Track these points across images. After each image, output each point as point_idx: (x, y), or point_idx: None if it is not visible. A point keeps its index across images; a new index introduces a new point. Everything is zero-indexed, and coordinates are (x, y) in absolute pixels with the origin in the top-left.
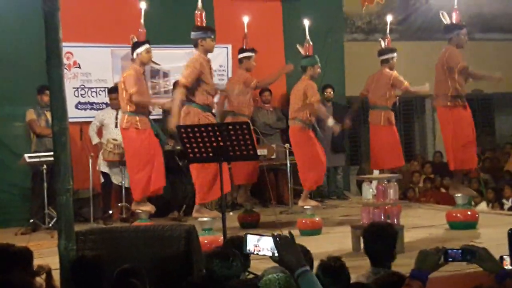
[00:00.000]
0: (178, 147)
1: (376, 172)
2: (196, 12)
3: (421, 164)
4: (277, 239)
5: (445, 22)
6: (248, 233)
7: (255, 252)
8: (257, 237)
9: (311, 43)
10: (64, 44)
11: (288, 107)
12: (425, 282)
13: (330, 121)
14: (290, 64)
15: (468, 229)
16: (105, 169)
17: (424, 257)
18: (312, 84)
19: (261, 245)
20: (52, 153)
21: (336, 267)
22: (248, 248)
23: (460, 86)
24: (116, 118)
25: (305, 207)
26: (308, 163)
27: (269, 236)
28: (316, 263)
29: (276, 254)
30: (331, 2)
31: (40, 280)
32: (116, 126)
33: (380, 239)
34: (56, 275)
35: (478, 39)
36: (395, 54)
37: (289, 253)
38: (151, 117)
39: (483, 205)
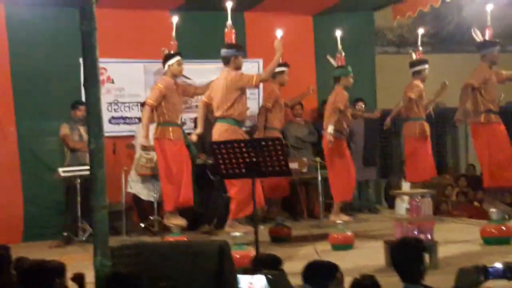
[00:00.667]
0: (210, 161)
1: (404, 185)
2: (226, 30)
3: (454, 177)
4: (269, 276)
5: (477, 39)
6: (239, 273)
7: None
8: (250, 276)
9: (343, 53)
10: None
11: (319, 120)
12: None
13: (330, 128)
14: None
15: (503, 245)
16: (135, 189)
17: (465, 275)
18: (342, 92)
19: (255, 283)
20: (86, 167)
21: (369, 286)
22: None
23: (491, 102)
24: None
25: (336, 221)
26: (337, 172)
27: (262, 274)
28: (348, 279)
29: None
30: (362, 16)
31: None
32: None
33: (407, 255)
34: None
35: (510, 51)
36: (426, 66)
37: None
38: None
39: None
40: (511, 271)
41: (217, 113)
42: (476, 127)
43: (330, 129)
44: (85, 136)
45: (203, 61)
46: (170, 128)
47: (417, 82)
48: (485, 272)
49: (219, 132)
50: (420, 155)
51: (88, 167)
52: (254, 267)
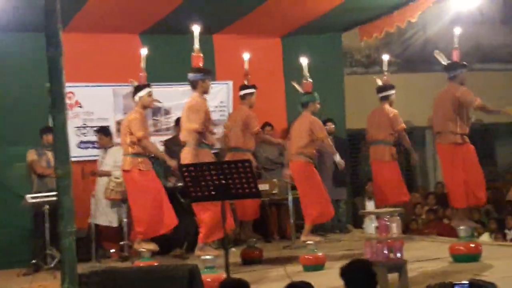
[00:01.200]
0: (180, 184)
1: (369, 204)
2: (193, 54)
3: (423, 196)
4: None
5: (442, 62)
6: None
7: None
8: None
9: (310, 80)
10: (65, 84)
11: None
12: None
13: (337, 157)
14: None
15: (472, 262)
16: (96, 220)
17: None
18: (317, 120)
19: None
20: (54, 193)
21: None
22: None
23: (467, 122)
24: (102, 158)
25: (307, 242)
26: (312, 196)
27: None
28: None
29: None
30: (330, 37)
31: None
32: (100, 166)
33: (357, 276)
34: None
35: (477, 69)
36: (393, 91)
37: None
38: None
39: (485, 236)
40: None
41: (184, 138)
42: (452, 147)
43: (337, 157)
44: (53, 162)
45: (172, 84)
46: (139, 159)
47: (387, 106)
48: None
49: (191, 158)
50: (389, 179)
51: (56, 193)
52: None
